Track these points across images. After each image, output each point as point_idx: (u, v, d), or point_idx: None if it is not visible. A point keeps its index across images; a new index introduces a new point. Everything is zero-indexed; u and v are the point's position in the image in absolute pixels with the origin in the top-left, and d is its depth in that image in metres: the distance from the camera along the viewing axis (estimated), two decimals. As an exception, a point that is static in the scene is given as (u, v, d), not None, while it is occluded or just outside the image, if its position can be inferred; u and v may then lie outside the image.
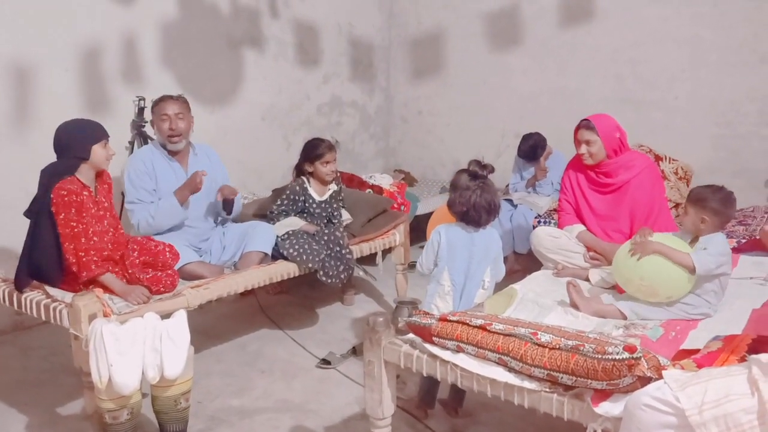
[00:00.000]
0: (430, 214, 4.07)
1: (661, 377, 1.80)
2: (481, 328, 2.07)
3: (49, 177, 2.76)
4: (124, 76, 4.22)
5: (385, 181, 5.07)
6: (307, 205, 3.76)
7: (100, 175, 2.93)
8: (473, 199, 2.78)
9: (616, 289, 2.93)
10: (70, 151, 2.79)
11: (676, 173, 4.56)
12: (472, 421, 2.82)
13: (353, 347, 3.49)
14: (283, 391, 3.13)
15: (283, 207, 3.73)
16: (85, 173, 2.82)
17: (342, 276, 3.51)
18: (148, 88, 4.08)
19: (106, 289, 2.79)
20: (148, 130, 3.76)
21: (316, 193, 3.79)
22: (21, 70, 3.79)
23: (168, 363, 2.40)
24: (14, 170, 3.71)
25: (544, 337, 1.96)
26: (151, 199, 3.34)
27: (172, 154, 3.44)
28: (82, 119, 2.94)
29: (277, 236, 3.50)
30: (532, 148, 4.71)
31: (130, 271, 2.88)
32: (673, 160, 4.61)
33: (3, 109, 3.75)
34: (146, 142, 3.76)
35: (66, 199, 2.71)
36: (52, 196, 2.71)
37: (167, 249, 3.02)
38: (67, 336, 2.64)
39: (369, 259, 4.00)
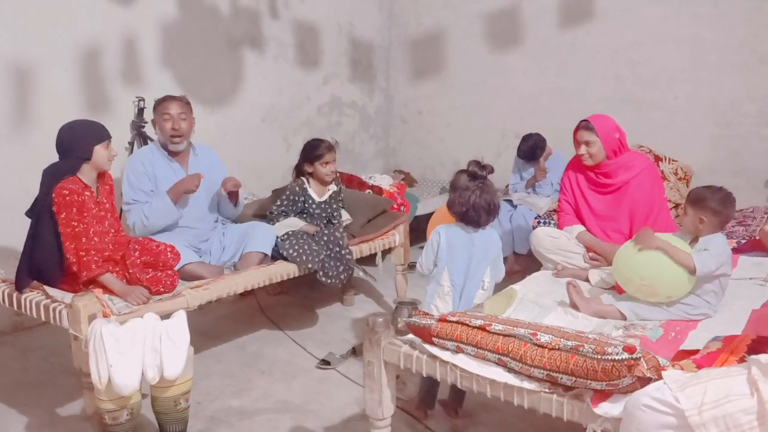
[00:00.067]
0: (430, 214, 4.08)
1: (660, 378, 1.80)
2: (481, 328, 2.07)
3: (51, 177, 2.76)
4: (123, 76, 4.22)
5: (385, 182, 5.06)
6: (306, 205, 3.76)
7: (101, 175, 2.93)
8: (473, 200, 2.78)
9: (615, 289, 2.93)
10: (73, 152, 2.79)
11: (675, 174, 4.55)
12: (472, 422, 2.82)
13: (353, 348, 3.49)
14: (282, 391, 3.13)
15: (283, 207, 3.73)
16: (87, 174, 2.82)
17: (342, 276, 3.52)
18: (148, 89, 4.08)
19: (106, 289, 2.79)
20: (148, 130, 3.75)
21: (316, 193, 3.78)
22: (21, 70, 3.79)
23: (168, 363, 2.40)
24: (14, 170, 3.71)
25: (544, 338, 1.96)
26: (148, 200, 3.32)
27: (173, 154, 3.43)
28: (84, 120, 2.95)
29: (277, 237, 3.50)
30: (531, 149, 4.72)
31: (131, 271, 2.88)
32: (673, 160, 4.60)
33: (3, 109, 3.75)
34: (146, 143, 3.76)
35: (67, 198, 2.71)
36: (53, 195, 2.71)
37: (168, 249, 3.01)
38: (67, 336, 2.64)
39: (369, 260, 4.00)
